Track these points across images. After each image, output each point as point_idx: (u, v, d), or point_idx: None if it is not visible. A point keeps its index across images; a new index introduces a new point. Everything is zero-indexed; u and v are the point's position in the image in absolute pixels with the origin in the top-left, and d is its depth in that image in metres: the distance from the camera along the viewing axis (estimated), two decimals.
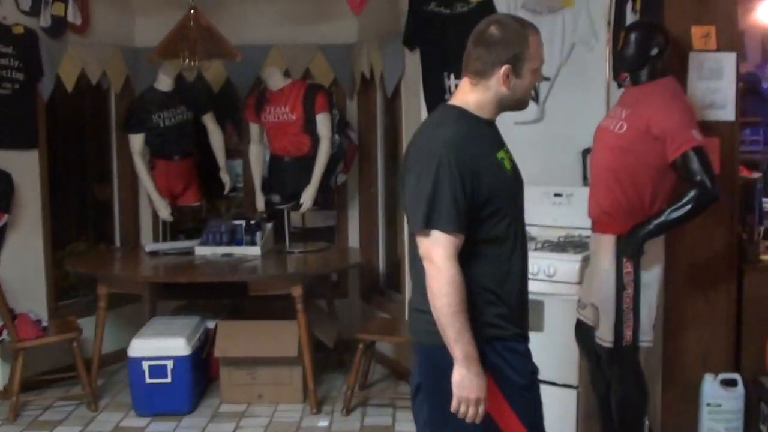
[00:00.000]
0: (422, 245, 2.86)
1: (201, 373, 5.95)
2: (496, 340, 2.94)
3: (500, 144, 3.07)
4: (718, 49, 4.72)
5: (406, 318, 3.16)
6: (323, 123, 6.20)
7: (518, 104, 3.05)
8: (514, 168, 3.09)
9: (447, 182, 2.79)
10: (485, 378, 2.86)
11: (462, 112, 2.97)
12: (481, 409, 2.86)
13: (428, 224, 2.81)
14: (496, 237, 2.93)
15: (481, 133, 2.98)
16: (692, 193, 4.01)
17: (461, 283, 2.81)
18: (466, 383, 2.83)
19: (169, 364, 5.57)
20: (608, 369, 4.38)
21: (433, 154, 2.84)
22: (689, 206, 4.01)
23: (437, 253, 2.81)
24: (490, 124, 3.04)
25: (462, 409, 2.85)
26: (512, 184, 3.03)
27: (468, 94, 3.00)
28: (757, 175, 5.31)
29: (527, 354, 3.11)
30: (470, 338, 2.82)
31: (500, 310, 2.95)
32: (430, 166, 2.83)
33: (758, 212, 5.10)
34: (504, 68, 2.91)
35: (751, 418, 4.81)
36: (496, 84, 2.94)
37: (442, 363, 2.87)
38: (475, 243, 2.89)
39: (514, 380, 3.00)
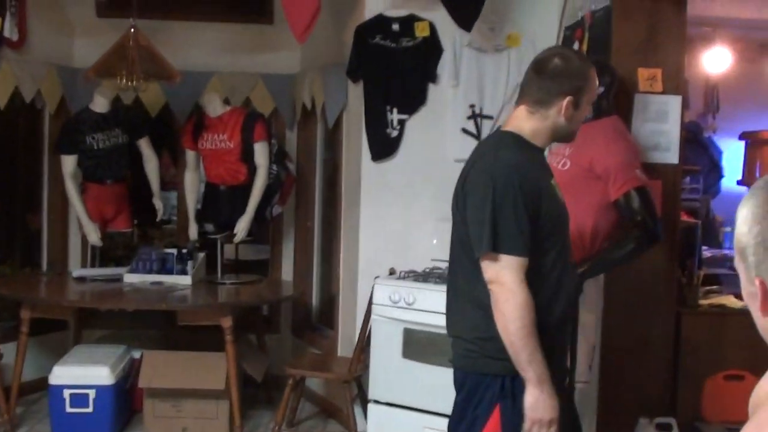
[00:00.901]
0: (490, 269, 2.87)
1: (124, 403, 5.76)
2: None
3: (551, 173, 3.15)
4: (664, 92, 4.73)
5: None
6: (261, 152, 6.10)
7: (570, 136, 3.16)
8: (562, 199, 3.14)
9: (512, 204, 2.84)
10: (557, 399, 2.89)
11: (518, 138, 3.02)
12: (553, 430, 2.90)
13: (496, 248, 2.84)
14: (545, 268, 2.96)
15: (537, 160, 3.06)
16: (634, 233, 3.98)
17: (533, 306, 2.84)
18: (540, 405, 2.86)
19: (92, 393, 5.38)
20: None
21: (496, 177, 2.88)
22: (631, 246, 3.98)
23: (508, 276, 2.83)
24: (542, 152, 3.13)
25: (535, 431, 2.88)
26: (563, 213, 3.11)
27: (524, 122, 3.04)
28: (697, 221, 5.32)
29: (559, 397, 3.04)
30: (542, 359, 2.84)
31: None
32: (494, 189, 2.86)
33: (698, 258, 5.10)
34: (567, 99, 2.98)
35: None
36: (555, 114, 3.01)
37: (477, 388, 2.97)
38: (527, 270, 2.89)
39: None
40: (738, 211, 1.55)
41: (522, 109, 3.07)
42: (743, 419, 4.60)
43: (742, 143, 7.36)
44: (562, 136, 3.13)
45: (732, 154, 7.46)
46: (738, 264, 1.56)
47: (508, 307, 2.83)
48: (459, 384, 3.16)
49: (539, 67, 3.07)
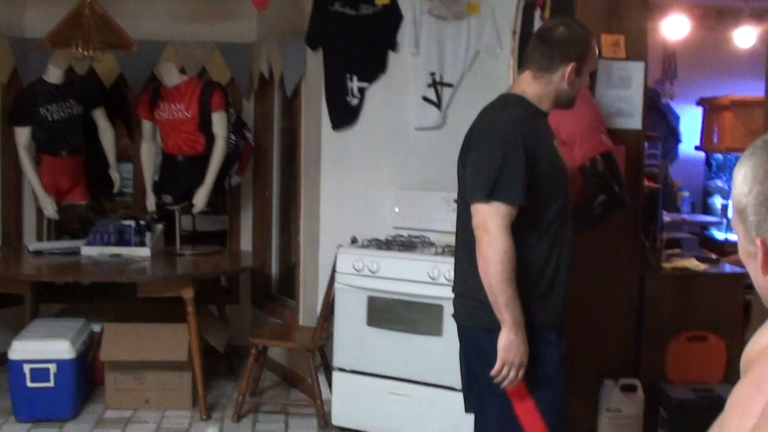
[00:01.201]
0: (479, 214, 3.01)
1: (85, 377, 5.67)
2: (528, 328, 3.06)
3: (553, 135, 3.32)
4: (627, 59, 4.73)
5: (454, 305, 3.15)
6: (219, 122, 6.03)
7: (570, 102, 3.32)
8: (563, 159, 3.32)
9: (512, 156, 2.99)
10: (528, 345, 3.04)
11: (522, 100, 3.19)
12: (520, 374, 3.04)
13: (490, 195, 2.97)
14: (545, 221, 3.11)
15: (540, 121, 3.22)
16: (600, 198, 3.99)
17: (514, 253, 2.97)
18: (513, 347, 2.99)
19: (52, 367, 5.29)
20: None
21: (498, 132, 3.06)
22: (597, 211, 4.00)
23: (495, 222, 2.96)
24: (545, 116, 3.28)
25: (504, 372, 3.02)
26: (564, 173, 3.26)
27: (529, 86, 3.22)
28: (658, 186, 5.35)
29: (558, 344, 3.23)
30: (519, 306, 3.00)
31: (540, 294, 3.12)
32: (494, 142, 3.04)
33: (660, 222, 5.13)
34: (570, 66, 3.16)
35: (649, 424, 4.83)
36: (559, 80, 3.19)
37: (486, 343, 3.08)
38: (524, 225, 3.04)
39: (539, 369, 3.11)
40: (735, 171, 1.55)
41: (527, 74, 3.23)
42: (706, 379, 4.69)
43: (700, 109, 7.40)
44: (564, 101, 3.28)
45: (689, 120, 7.50)
46: (736, 224, 1.56)
47: (490, 252, 2.95)
48: (469, 341, 3.28)
49: (544, 35, 3.24)
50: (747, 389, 1.67)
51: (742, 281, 4.95)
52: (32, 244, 6.41)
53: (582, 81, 3.27)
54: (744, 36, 7.17)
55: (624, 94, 4.78)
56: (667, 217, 5.87)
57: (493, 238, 2.96)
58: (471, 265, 3.10)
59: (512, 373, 3.02)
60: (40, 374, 5.29)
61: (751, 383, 1.67)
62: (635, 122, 4.79)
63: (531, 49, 3.26)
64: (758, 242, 1.49)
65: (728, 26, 7.25)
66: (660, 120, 7.15)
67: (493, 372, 3.05)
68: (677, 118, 7.44)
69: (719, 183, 7.44)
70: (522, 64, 3.33)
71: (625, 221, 4.67)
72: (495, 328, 3.03)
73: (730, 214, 4.39)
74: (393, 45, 5.59)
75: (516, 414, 3.15)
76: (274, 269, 6.83)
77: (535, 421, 3.15)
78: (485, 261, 2.97)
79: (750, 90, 6.62)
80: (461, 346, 3.37)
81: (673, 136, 7.37)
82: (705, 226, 7.00)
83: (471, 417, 4.64)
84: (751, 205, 1.49)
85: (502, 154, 2.99)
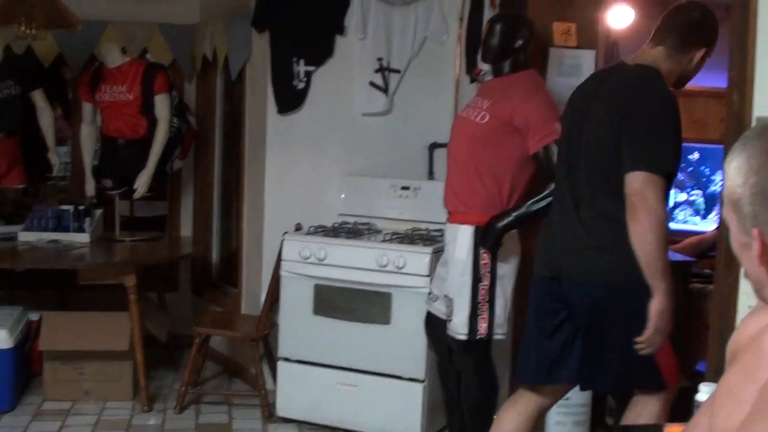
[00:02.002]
0: (637, 182, 3.10)
1: (23, 368, 5.51)
2: None
3: None
4: (578, 47, 4.73)
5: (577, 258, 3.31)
6: (162, 104, 5.89)
7: (683, 85, 3.48)
8: None
9: (672, 132, 3.16)
10: None
11: (660, 74, 3.30)
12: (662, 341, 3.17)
13: (653, 167, 3.09)
14: (668, 195, 3.23)
15: None
16: (553, 186, 3.96)
17: (667, 224, 3.17)
18: (666, 315, 3.11)
19: None
20: (460, 362, 4.32)
21: (660, 106, 3.19)
22: (550, 198, 3.97)
23: (654, 194, 3.08)
24: None
25: (654, 339, 3.13)
26: None
27: (662, 62, 3.34)
28: None
29: None
30: (671, 275, 3.14)
31: None
32: (659, 115, 3.17)
33: None
34: (703, 51, 3.36)
35: (597, 411, 4.86)
36: (687, 62, 3.37)
37: (619, 301, 3.24)
38: None
39: None
40: (727, 162, 1.56)
41: (660, 50, 3.35)
42: None
43: None
44: (682, 83, 3.45)
45: None
46: (728, 215, 1.57)
47: (651, 220, 3.06)
48: (599, 296, 3.32)
49: (682, 16, 3.38)
50: (737, 378, 1.68)
51: (683, 270, 4.97)
52: None
53: (701, 66, 3.43)
54: None
55: (575, 82, 4.73)
56: None
57: (653, 207, 3.06)
58: (613, 224, 3.19)
59: (659, 340, 3.13)
60: None
61: (741, 371, 1.68)
62: None
63: (665, 26, 3.38)
64: (755, 233, 1.49)
65: None
66: None
67: (642, 338, 3.13)
68: None
69: None
70: (653, 37, 3.41)
71: None
72: (633, 287, 3.14)
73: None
74: (340, 29, 5.52)
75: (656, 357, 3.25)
76: (215, 256, 6.72)
77: (669, 357, 3.29)
78: (644, 228, 3.07)
79: (692, 80, 6.64)
80: (576, 305, 3.41)
81: None
82: None
83: (416, 407, 4.67)
84: (747, 195, 1.50)
85: (672, 127, 3.15)
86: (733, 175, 1.53)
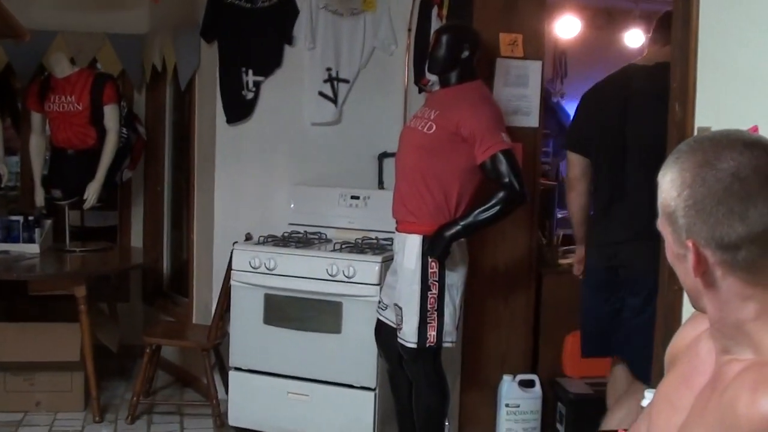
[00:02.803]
0: None
1: None
2: None
3: None
4: (525, 57, 4.79)
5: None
6: (111, 115, 5.89)
7: None
8: None
9: None
10: None
11: None
12: None
13: None
14: None
15: None
16: (501, 195, 4.04)
17: None
18: None
19: None
20: (410, 369, 4.35)
21: None
22: (497, 207, 4.04)
23: None
24: None
25: None
26: None
27: None
28: (554, 183, 5.43)
29: None
30: None
31: None
32: None
33: (555, 219, 5.20)
34: None
35: (548, 418, 4.91)
36: None
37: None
38: None
39: None
40: (661, 176, 1.58)
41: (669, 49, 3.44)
42: (601, 374, 4.75)
43: None
44: None
45: None
46: (663, 227, 1.60)
47: None
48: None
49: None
50: (675, 384, 1.72)
51: None
52: None
53: None
54: (633, 37, 7.34)
55: (521, 92, 4.85)
56: (559, 213, 5.96)
57: None
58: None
59: None
60: None
61: (678, 378, 1.72)
62: (532, 120, 4.87)
63: (668, 26, 3.49)
64: (689, 244, 1.52)
65: (618, 27, 7.41)
66: (551, 118, 7.27)
67: None
68: (568, 116, 7.57)
69: None
70: (658, 39, 3.90)
71: (522, 218, 4.74)
72: None
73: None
74: (289, 39, 5.54)
75: None
76: (166, 266, 6.71)
77: None
78: None
79: None
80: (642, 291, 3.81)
81: (563, 133, 7.49)
82: None
83: (368, 415, 4.71)
84: (681, 208, 1.53)
85: None
86: (667, 187, 1.56)
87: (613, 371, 4.34)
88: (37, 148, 6.20)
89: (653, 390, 2.36)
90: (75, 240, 6.23)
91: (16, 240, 5.79)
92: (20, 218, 5.86)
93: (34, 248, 5.75)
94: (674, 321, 3.10)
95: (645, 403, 2.41)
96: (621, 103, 3.97)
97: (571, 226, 4.56)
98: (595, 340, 4.32)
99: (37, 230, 5.85)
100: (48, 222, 6.05)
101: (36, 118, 6.12)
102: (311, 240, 5.23)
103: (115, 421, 5.34)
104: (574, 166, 4.37)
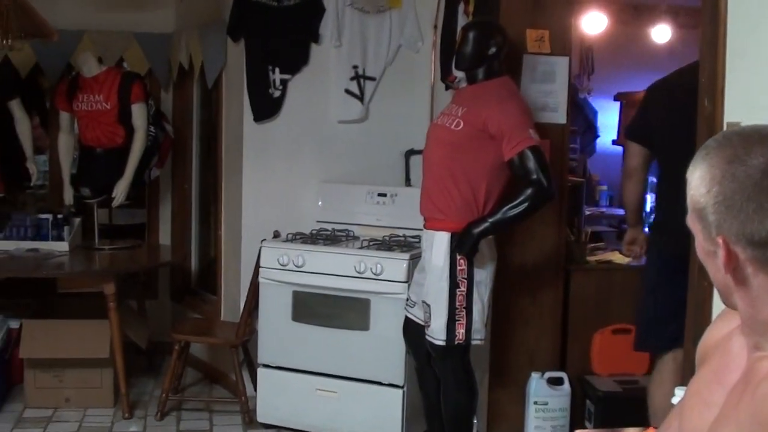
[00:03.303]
0: None
1: (3, 376, 5.53)
2: None
3: None
4: (551, 53, 4.78)
5: None
6: (139, 113, 5.92)
7: None
8: None
9: None
10: None
11: None
12: None
13: None
14: None
15: None
16: (529, 192, 4.03)
17: None
18: None
19: None
20: (439, 367, 4.35)
21: None
22: (526, 204, 4.04)
23: None
24: None
25: None
26: None
27: None
28: (582, 179, 5.42)
29: None
30: None
31: None
32: None
33: (583, 216, 5.19)
34: None
35: (576, 416, 4.90)
36: None
37: None
38: None
39: None
40: (690, 172, 1.57)
41: None
42: (631, 371, 4.76)
43: (617, 104, 7.52)
44: None
45: (607, 115, 7.62)
46: (693, 224, 1.59)
47: None
48: None
49: None
50: (706, 380, 1.71)
51: None
52: None
53: None
54: (660, 32, 7.31)
55: (548, 89, 4.84)
56: (587, 210, 5.96)
57: None
58: None
59: None
60: None
61: (709, 374, 1.71)
62: (560, 116, 4.85)
63: None
64: (719, 241, 1.51)
65: (645, 22, 7.38)
66: (578, 114, 7.25)
67: None
68: (595, 112, 7.56)
69: None
70: None
71: (550, 215, 4.73)
72: None
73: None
74: (315, 37, 5.55)
75: None
76: (194, 263, 6.75)
77: None
78: None
79: None
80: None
81: (591, 130, 7.49)
82: (623, 219, 7.10)
83: (396, 413, 4.72)
84: (711, 204, 1.52)
85: None
86: (696, 184, 1.55)
87: (660, 370, 4.29)
88: (65, 146, 6.25)
89: (684, 387, 2.36)
90: (104, 238, 6.27)
91: (45, 238, 5.83)
92: (49, 216, 5.90)
93: (63, 246, 5.79)
94: (704, 317, 3.09)
95: (675, 400, 2.40)
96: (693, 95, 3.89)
97: (626, 211, 4.70)
98: (654, 331, 4.29)
99: (66, 228, 5.89)
100: (77, 220, 6.10)
101: (64, 117, 6.16)
102: (339, 237, 5.24)
103: (144, 418, 5.37)
104: (635, 156, 4.44)
